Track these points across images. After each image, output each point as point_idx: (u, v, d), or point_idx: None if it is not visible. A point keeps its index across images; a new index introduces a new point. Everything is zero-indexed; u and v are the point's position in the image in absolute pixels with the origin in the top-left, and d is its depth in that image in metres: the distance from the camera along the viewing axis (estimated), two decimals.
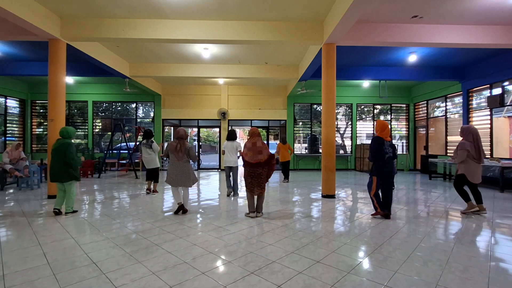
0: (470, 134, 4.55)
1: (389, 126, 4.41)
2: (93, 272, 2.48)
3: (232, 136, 6.33)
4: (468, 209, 4.65)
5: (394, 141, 12.82)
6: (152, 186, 6.50)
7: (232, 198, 6.00)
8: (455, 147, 4.69)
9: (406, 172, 12.10)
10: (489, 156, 8.37)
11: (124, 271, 2.51)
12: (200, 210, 4.92)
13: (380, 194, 4.33)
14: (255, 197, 4.47)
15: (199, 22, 6.10)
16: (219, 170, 12.44)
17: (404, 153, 12.75)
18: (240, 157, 6.06)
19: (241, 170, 6.49)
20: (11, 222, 4.09)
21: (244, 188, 4.64)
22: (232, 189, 6.34)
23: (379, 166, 4.20)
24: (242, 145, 6.08)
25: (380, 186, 4.25)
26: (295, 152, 12.62)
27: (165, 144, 14.00)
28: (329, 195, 6.01)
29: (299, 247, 3.11)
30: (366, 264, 2.70)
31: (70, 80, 11.18)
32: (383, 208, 4.28)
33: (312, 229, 3.81)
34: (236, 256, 2.85)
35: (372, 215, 4.44)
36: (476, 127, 8.95)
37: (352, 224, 4.08)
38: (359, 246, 3.19)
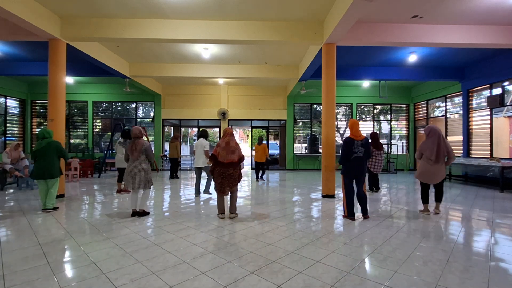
0: (432, 134, 4.50)
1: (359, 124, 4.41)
2: (93, 272, 2.48)
3: (201, 135, 6.10)
4: (423, 210, 4.68)
5: (393, 141, 12.80)
6: (123, 186, 6.43)
7: (195, 200, 5.80)
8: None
9: (406, 172, 12.09)
10: (489, 156, 8.37)
11: (124, 271, 2.51)
12: (200, 210, 4.91)
13: (356, 198, 4.33)
14: (227, 198, 4.28)
15: (199, 22, 6.10)
16: None
17: (404, 153, 12.75)
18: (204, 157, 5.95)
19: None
20: (11, 222, 4.08)
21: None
22: (205, 186, 6.20)
23: (346, 166, 4.27)
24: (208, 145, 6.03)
25: (349, 186, 4.26)
26: (295, 152, 12.63)
27: (166, 144, 13.99)
28: (329, 195, 6.00)
29: (299, 247, 3.11)
30: (366, 264, 2.70)
31: (70, 80, 11.17)
32: (351, 214, 4.25)
33: (312, 229, 3.81)
34: (236, 256, 2.85)
35: (343, 216, 4.42)
36: (476, 127, 9.10)
37: (352, 224, 4.07)
38: (359, 246, 3.18)
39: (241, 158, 4.34)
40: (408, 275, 2.45)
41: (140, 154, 4.32)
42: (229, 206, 4.40)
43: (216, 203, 5.46)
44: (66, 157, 4.95)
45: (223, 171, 4.19)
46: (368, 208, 4.43)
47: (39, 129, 12.41)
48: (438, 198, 4.68)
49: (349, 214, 4.27)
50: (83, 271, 2.51)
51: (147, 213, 4.50)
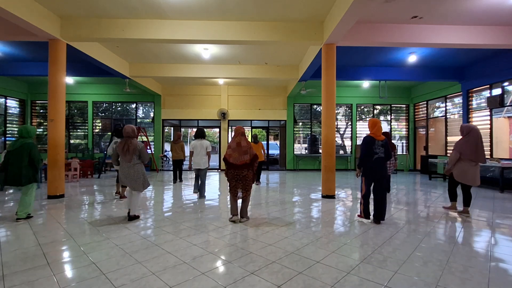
0: (472, 134, 4.31)
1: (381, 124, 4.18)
2: (93, 272, 2.48)
3: (200, 134, 5.98)
4: (450, 207, 4.78)
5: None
6: (120, 190, 5.97)
7: (198, 201, 5.62)
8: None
9: (406, 172, 12.10)
10: (489, 157, 8.37)
11: (124, 271, 2.51)
12: (200, 211, 4.91)
13: (372, 200, 4.14)
14: (239, 200, 4.19)
15: (199, 22, 6.11)
16: (219, 170, 12.44)
17: (404, 153, 12.75)
18: (207, 157, 5.87)
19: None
20: (11, 223, 4.08)
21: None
22: (199, 191, 5.97)
23: (366, 167, 4.06)
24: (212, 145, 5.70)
25: (369, 188, 4.10)
26: (295, 153, 12.62)
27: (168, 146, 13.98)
28: (329, 196, 6.00)
29: (299, 248, 3.11)
30: (366, 264, 2.69)
31: (70, 80, 11.18)
32: (367, 215, 4.16)
33: (312, 230, 3.81)
34: (236, 257, 2.85)
35: (357, 215, 4.36)
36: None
37: (352, 224, 4.07)
38: (359, 246, 3.18)
39: (254, 157, 4.10)
40: (408, 276, 2.44)
41: (134, 156, 4.07)
42: (240, 210, 4.24)
43: (216, 204, 5.50)
44: (37, 164, 4.21)
45: (237, 173, 4.04)
46: (385, 213, 4.10)
47: (40, 130, 12.44)
48: (468, 203, 4.50)
49: (365, 215, 4.16)
50: (83, 271, 2.50)
51: (138, 217, 4.28)
